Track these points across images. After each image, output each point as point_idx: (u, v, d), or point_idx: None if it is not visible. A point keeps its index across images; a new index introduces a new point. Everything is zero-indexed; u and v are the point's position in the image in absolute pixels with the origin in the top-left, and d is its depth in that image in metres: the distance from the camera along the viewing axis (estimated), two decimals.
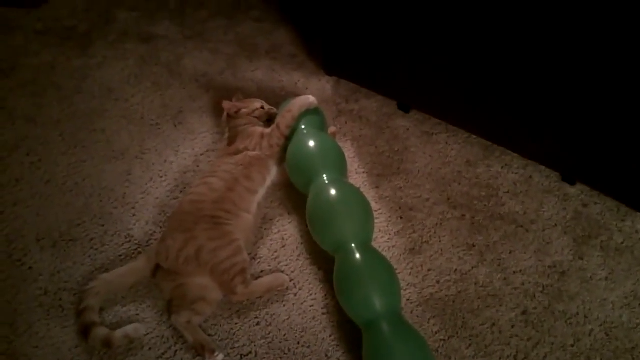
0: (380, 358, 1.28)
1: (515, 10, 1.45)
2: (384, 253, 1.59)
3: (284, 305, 1.48)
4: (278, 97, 1.85)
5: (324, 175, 1.56)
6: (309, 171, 1.60)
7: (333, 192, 1.52)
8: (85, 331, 1.37)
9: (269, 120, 1.78)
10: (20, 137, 1.81)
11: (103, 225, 1.61)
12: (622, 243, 1.65)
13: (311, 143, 1.63)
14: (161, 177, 1.74)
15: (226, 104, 1.75)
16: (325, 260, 1.54)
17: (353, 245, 1.43)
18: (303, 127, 1.68)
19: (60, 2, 2.35)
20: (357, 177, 1.78)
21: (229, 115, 1.75)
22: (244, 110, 1.76)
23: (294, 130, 1.68)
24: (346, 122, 1.93)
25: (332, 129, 1.83)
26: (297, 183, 1.65)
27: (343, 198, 1.52)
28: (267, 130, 1.69)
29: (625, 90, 1.42)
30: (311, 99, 1.70)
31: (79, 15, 2.30)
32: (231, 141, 1.70)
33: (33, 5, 2.24)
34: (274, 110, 1.79)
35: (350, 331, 1.41)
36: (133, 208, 1.66)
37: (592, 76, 1.44)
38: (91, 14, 2.30)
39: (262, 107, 1.78)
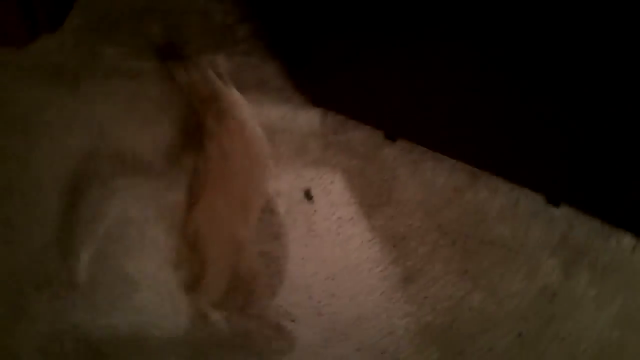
0: None
1: (492, 35, 1.44)
2: (379, 283, 1.62)
3: None
4: (266, 130, 1.87)
5: None
6: None
7: None
8: None
9: None
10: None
11: None
12: (609, 262, 1.70)
13: None
14: None
15: None
16: None
17: None
18: None
19: (48, 38, 2.35)
20: (349, 208, 1.81)
21: None
22: None
23: None
24: (335, 154, 1.96)
25: None
26: None
27: None
28: None
29: (604, 106, 1.44)
30: None
31: (67, 51, 2.30)
32: None
33: (20, 45, 2.24)
34: None
35: None
36: None
37: (572, 93, 1.45)
38: (80, 50, 2.30)
39: None
